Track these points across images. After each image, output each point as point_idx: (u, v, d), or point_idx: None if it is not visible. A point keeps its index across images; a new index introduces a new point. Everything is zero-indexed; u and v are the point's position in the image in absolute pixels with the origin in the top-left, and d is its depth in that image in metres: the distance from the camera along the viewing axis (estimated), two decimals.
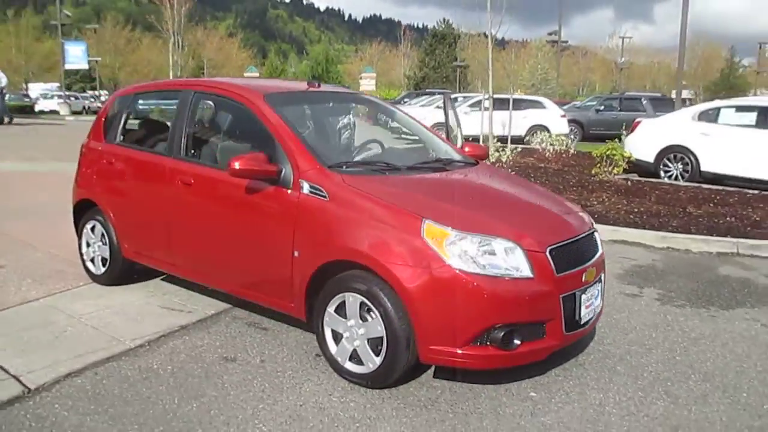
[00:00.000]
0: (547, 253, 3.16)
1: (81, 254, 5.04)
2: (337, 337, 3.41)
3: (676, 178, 11.23)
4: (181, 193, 4.09)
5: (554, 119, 20.10)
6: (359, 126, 4.73)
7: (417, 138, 4.59)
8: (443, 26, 56.75)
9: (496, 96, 15.34)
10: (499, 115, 15.21)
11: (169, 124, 4.53)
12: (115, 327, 4.08)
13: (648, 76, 77.53)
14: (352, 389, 3.31)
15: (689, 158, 11.12)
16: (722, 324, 4.44)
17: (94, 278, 4.93)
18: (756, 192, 9.67)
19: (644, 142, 11.72)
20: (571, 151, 15.09)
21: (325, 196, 3.38)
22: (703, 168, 10.94)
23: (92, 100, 45.80)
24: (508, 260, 3.06)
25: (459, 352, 3.04)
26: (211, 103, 4.37)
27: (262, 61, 70.13)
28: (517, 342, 3.08)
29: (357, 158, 4.09)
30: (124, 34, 62.91)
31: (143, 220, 4.45)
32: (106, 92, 52.56)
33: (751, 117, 10.83)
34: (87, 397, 3.18)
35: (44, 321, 4.14)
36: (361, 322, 3.27)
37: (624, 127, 13.78)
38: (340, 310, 3.35)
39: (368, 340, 3.25)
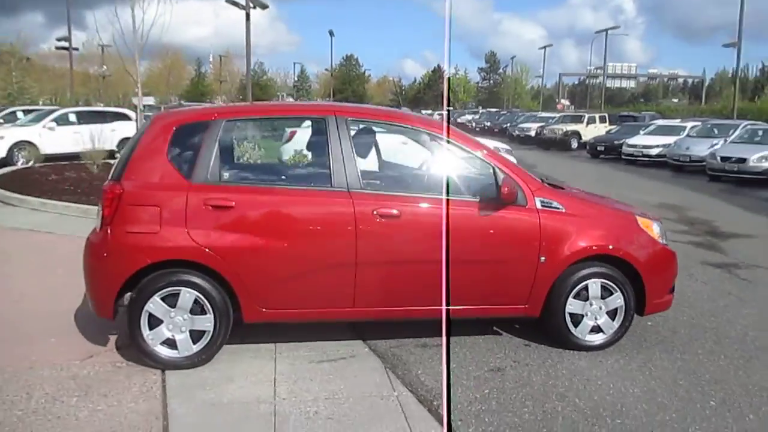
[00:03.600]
0: None
1: (140, 340, 3.75)
2: (574, 320, 4.21)
3: None
4: (377, 227, 3.85)
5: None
6: None
7: None
8: None
9: (86, 109, 14.16)
10: (90, 129, 14.32)
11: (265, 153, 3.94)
12: (341, 398, 3.59)
13: (121, 84, 78.14)
14: (597, 355, 4.22)
15: None
16: None
17: (174, 363, 3.81)
18: None
19: None
20: None
21: (559, 208, 4.11)
22: None
23: None
24: (662, 234, 4.55)
25: (666, 300, 4.43)
26: (388, 132, 4.10)
27: None
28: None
29: None
30: None
31: (301, 268, 3.83)
32: None
33: None
34: None
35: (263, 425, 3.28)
36: (601, 300, 4.21)
37: None
38: (579, 295, 4.19)
39: (607, 312, 4.24)
